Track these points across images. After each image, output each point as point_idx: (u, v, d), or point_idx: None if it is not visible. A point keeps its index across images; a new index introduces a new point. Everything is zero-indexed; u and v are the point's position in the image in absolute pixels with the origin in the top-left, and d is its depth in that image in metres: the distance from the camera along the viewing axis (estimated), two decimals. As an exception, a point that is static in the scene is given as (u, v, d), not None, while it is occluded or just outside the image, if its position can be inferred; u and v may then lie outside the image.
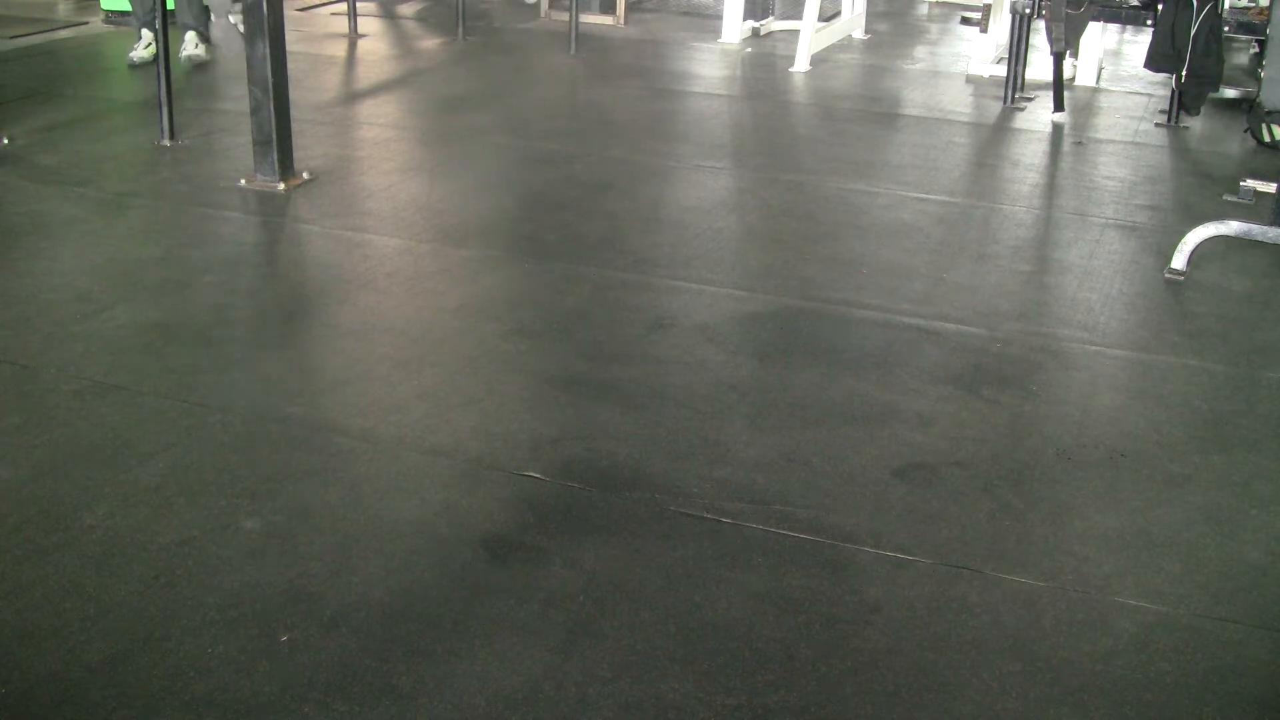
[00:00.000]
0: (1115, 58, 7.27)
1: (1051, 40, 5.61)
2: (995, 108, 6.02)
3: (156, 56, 4.81)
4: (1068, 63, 6.18)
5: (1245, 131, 5.48)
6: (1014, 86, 6.03)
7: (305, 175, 4.52)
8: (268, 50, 4.25)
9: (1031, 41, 6.25)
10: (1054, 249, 4.13)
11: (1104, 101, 6.23)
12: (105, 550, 2.31)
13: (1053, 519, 2.52)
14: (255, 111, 4.37)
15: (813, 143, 5.36)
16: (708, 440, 2.77)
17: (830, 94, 6.26)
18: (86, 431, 2.74)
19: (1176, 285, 3.80)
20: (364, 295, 3.53)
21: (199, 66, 6.22)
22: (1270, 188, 4.39)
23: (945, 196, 4.59)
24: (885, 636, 2.15)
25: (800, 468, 2.68)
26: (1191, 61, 5.17)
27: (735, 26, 7.44)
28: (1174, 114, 5.71)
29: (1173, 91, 5.63)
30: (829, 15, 7.50)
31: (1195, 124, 5.74)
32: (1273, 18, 4.10)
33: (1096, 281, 3.80)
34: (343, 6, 7.58)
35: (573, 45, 7.06)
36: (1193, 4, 5.09)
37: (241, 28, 4.53)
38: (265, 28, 4.23)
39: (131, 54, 6.22)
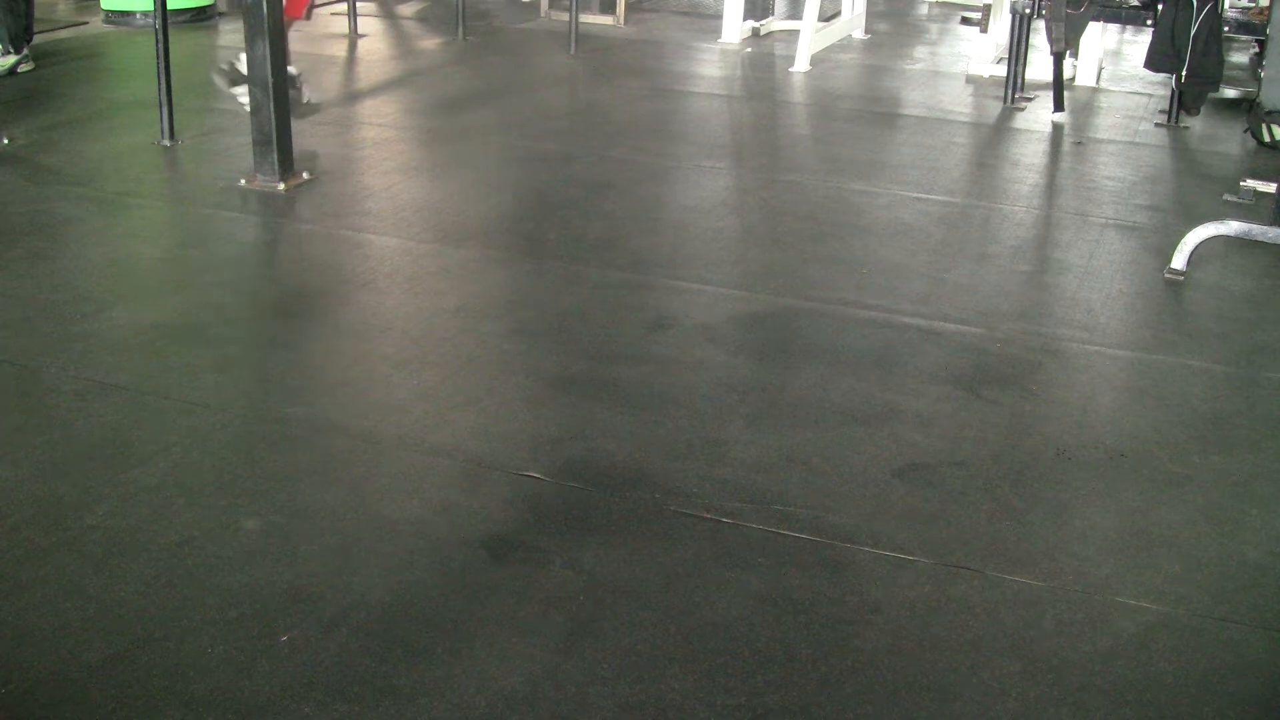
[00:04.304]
0: (1115, 58, 7.27)
1: (1051, 40, 5.61)
2: (995, 108, 6.01)
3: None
4: (1068, 63, 6.18)
5: (1245, 131, 5.47)
6: (1014, 86, 6.03)
7: (305, 175, 4.52)
8: (268, 50, 4.25)
9: (1031, 41, 6.25)
10: (1054, 249, 4.13)
11: (1104, 101, 6.23)
12: (105, 550, 2.31)
13: (1053, 519, 2.52)
14: (255, 111, 4.37)
15: (813, 143, 5.36)
16: (708, 440, 2.77)
17: (830, 94, 6.26)
18: (86, 431, 2.74)
19: (1176, 285, 3.80)
20: (364, 295, 3.53)
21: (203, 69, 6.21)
22: (1270, 188, 4.39)
23: (945, 196, 4.58)
24: (885, 636, 2.15)
25: (800, 468, 2.68)
26: (1191, 61, 5.17)
27: (735, 26, 7.43)
28: (1174, 114, 5.71)
29: (1173, 91, 5.63)
30: (829, 15, 7.50)
31: (1195, 124, 5.73)
32: (1273, 18, 4.11)
33: (1096, 281, 3.79)
34: (343, 6, 7.58)
35: (573, 45, 7.06)
36: (1193, 4, 5.09)
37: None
38: (265, 28, 4.22)
39: None
